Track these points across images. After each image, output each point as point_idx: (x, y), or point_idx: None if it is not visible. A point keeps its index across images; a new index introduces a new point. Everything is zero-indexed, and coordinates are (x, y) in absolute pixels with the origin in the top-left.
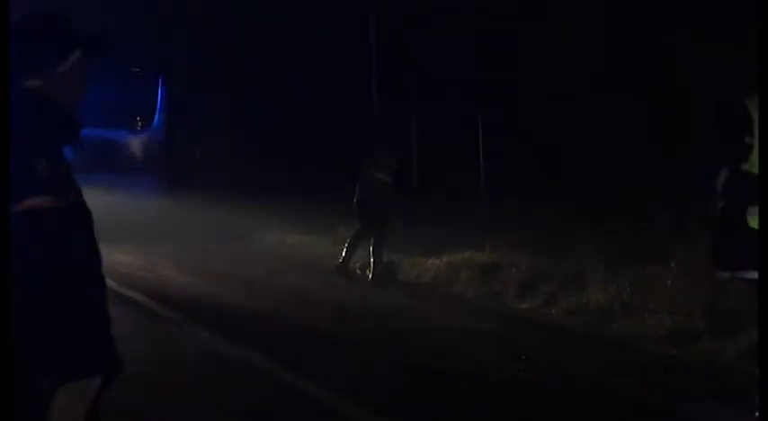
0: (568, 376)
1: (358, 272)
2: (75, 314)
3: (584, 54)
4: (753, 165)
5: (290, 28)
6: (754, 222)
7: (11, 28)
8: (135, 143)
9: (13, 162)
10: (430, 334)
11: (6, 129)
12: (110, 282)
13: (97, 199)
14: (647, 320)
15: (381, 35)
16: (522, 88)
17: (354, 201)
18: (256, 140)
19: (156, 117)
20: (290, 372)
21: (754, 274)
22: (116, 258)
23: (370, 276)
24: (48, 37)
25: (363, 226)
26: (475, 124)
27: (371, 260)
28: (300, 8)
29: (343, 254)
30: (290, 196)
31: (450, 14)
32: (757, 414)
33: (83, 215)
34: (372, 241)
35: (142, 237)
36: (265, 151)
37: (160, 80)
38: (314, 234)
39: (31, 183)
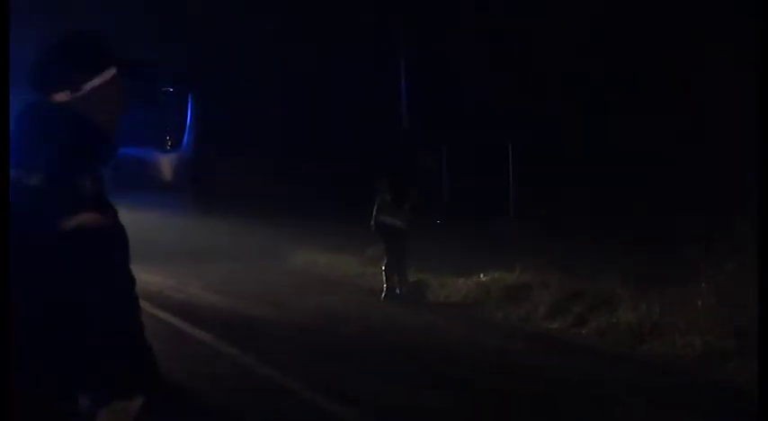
0: (598, 396)
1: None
2: (118, 332)
3: (612, 76)
4: None
5: (324, 52)
6: None
7: (46, 47)
8: (164, 162)
9: (52, 178)
10: (458, 353)
11: (6, 130)
12: (142, 302)
13: (126, 218)
14: (678, 340)
15: (411, 61)
16: (551, 110)
17: (372, 222)
18: (286, 160)
19: (186, 136)
20: (317, 391)
21: None
22: (146, 278)
23: (398, 291)
24: (78, 52)
25: (388, 248)
26: (504, 145)
27: (397, 279)
28: (332, 32)
29: (384, 283)
30: (318, 216)
31: (480, 40)
32: None
33: (121, 234)
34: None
35: (172, 257)
36: (294, 171)
37: (190, 100)
38: (342, 253)
39: (76, 201)
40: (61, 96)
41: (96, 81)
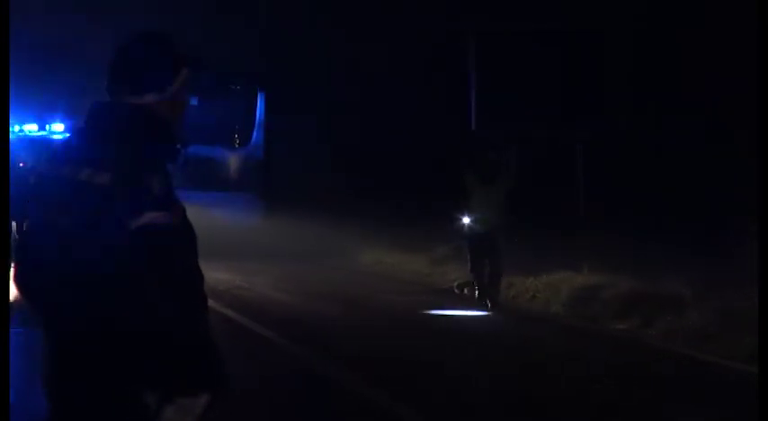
0: (664, 398)
1: (456, 291)
2: (185, 329)
3: (678, 74)
4: None
5: (391, 49)
6: None
7: (121, 46)
8: (233, 161)
9: (123, 177)
10: (524, 354)
11: (6, 128)
12: (209, 301)
13: (195, 216)
14: (745, 342)
15: (480, 57)
16: (620, 110)
17: (459, 223)
18: (355, 160)
19: (255, 134)
20: (378, 387)
21: None
22: (214, 276)
23: (476, 295)
24: (163, 55)
25: (474, 250)
26: (572, 144)
27: (474, 282)
28: (399, 28)
29: (476, 290)
30: (387, 215)
31: (547, 36)
32: None
33: (189, 232)
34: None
35: (240, 255)
36: (364, 171)
37: (259, 98)
38: (410, 253)
39: (145, 199)
40: (149, 98)
41: (178, 82)
